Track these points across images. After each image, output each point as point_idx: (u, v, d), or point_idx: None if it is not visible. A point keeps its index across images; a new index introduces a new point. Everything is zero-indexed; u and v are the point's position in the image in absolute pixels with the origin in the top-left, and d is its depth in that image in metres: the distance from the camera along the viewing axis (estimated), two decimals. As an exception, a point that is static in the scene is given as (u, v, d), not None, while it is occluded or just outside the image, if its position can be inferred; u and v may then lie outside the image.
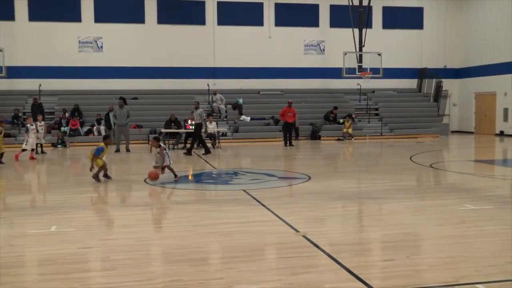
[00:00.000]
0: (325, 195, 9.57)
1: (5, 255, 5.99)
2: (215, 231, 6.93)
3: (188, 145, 19.30)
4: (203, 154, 17.68)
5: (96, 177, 11.27)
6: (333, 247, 6.02)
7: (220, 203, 9.01)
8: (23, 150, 16.38)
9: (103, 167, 11.46)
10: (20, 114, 23.55)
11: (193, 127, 19.94)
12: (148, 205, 8.91)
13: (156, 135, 12.91)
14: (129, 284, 4.84)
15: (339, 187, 10.66)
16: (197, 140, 18.27)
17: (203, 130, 18.93)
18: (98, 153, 11.19)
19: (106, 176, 11.60)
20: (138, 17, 26.73)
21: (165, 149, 11.61)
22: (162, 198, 10.10)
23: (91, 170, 11.39)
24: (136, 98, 26.00)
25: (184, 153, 17.59)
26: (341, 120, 25.65)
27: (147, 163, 16.05)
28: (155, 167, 11.35)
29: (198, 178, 13.12)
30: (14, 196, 10.10)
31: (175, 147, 20.44)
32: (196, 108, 18.24)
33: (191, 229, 7.02)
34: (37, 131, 17.53)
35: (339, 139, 24.53)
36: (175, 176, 11.48)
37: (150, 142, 14.30)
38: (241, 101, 26.27)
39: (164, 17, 26.86)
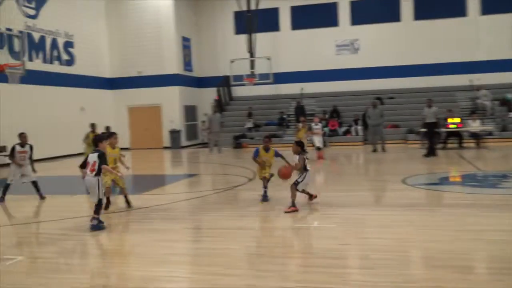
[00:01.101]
0: None
1: (273, 246, 6.51)
2: (482, 238, 6.33)
3: (448, 145, 18.33)
4: (423, 155, 16.56)
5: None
6: None
7: (487, 208, 8.22)
8: (319, 148, 17.13)
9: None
10: (284, 117, 25.55)
11: (453, 126, 18.94)
12: (407, 206, 8.66)
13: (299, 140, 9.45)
14: (387, 285, 4.76)
15: None
16: (431, 139, 16.91)
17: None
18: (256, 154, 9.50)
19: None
20: (393, 16, 26.44)
21: (305, 158, 8.61)
22: (423, 199, 9.72)
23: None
24: (392, 98, 25.74)
25: (424, 155, 16.55)
26: None
27: (403, 163, 15.75)
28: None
29: (461, 180, 12.27)
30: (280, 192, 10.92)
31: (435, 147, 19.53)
32: (429, 106, 16.94)
33: (454, 234, 6.57)
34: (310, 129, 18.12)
35: None
36: (310, 196, 8.86)
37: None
38: (510, 96, 23.69)
39: (421, 13, 25.97)
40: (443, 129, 19.63)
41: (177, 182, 13.82)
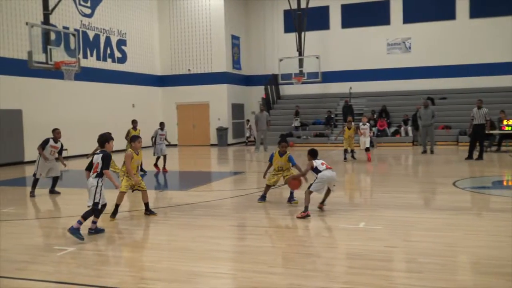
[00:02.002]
0: None
1: (318, 246, 6.48)
2: (536, 245, 6.09)
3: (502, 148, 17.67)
4: (475, 158, 15.91)
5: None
6: None
7: (542, 214, 7.89)
8: (367, 149, 16.77)
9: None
10: (332, 116, 25.32)
11: (509, 129, 18.35)
12: (457, 209, 8.43)
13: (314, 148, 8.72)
14: (435, 290, 4.65)
15: None
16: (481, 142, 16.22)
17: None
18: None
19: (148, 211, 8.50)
20: (448, 13, 25.74)
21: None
22: (473, 203, 9.44)
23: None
24: (444, 98, 25.08)
25: (476, 159, 15.94)
26: None
27: (454, 165, 15.32)
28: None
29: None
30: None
31: (488, 149, 18.89)
32: (479, 108, 16.04)
33: (505, 240, 6.34)
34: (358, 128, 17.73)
35: None
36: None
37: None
38: None
39: (478, 11, 25.14)
40: (497, 131, 18.99)
41: (223, 179, 13.95)
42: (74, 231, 6.61)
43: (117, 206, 8.13)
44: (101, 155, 6.97)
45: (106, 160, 6.93)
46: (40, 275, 5.35)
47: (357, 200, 10.05)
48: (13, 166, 17.56)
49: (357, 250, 6.08)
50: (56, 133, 11.08)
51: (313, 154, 8.42)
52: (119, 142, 15.77)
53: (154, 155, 15.09)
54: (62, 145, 11.15)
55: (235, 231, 7.60)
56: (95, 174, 6.88)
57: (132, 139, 8.44)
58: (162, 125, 15.49)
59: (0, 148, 17.63)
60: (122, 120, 22.47)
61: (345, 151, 16.76)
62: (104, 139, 7.17)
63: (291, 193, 9.19)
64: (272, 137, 23.55)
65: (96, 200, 6.81)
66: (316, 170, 8.15)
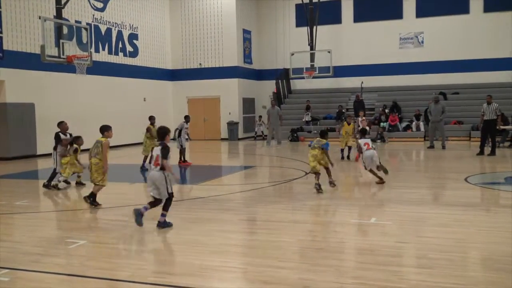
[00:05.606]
0: None
1: (329, 240, 6.47)
2: (549, 242, 6.04)
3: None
4: (488, 154, 15.70)
5: None
6: None
7: (555, 211, 7.83)
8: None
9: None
10: (343, 111, 25.23)
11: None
12: (469, 205, 8.38)
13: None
14: (445, 286, 4.63)
15: None
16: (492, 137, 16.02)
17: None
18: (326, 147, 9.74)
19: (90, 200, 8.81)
20: (461, 7, 25.45)
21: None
22: (485, 199, 9.38)
23: None
24: (457, 93, 24.87)
25: (488, 154, 15.74)
26: None
27: (466, 160, 15.22)
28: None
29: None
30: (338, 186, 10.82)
31: (501, 144, 18.73)
32: (489, 103, 15.79)
33: (519, 236, 6.30)
34: (358, 126, 17.88)
35: None
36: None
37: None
38: None
39: (492, 5, 24.82)
40: (510, 127, 18.82)
41: (234, 173, 13.97)
42: (163, 224, 7.03)
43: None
44: (160, 147, 7.06)
45: (164, 151, 7.00)
46: (53, 268, 5.41)
47: (368, 195, 10.02)
48: (26, 160, 17.71)
49: (367, 245, 6.08)
50: (63, 125, 11.08)
51: (361, 132, 10.75)
52: (132, 136, 16.07)
53: (178, 147, 14.86)
54: (72, 137, 11.19)
55: (246, 225, 7.62)
56: (158, 167, 6.97)
57: (106, 128, 8.56)
58: (187, 118, 15.37)
59: (13, 141, 17.77)
60: (133, 114, 22.63)
61: (342, 150, 15.57)
62: (164, 131, 7.21)
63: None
64: (283, 131, 23.48)
65: (170, 191, 7.03)
66: (360, 150, 10.44)
